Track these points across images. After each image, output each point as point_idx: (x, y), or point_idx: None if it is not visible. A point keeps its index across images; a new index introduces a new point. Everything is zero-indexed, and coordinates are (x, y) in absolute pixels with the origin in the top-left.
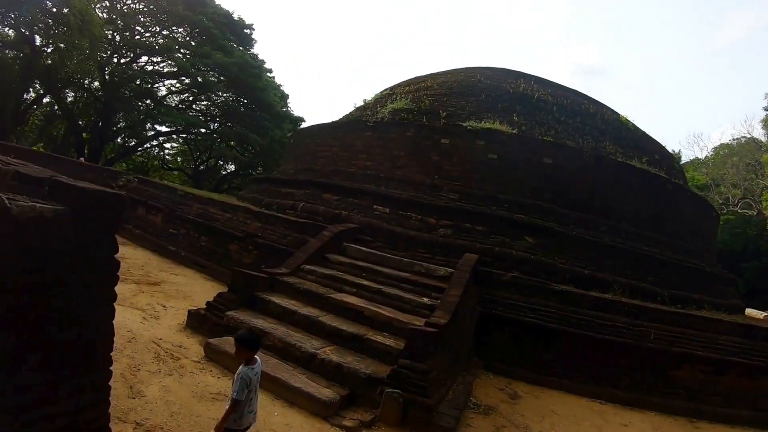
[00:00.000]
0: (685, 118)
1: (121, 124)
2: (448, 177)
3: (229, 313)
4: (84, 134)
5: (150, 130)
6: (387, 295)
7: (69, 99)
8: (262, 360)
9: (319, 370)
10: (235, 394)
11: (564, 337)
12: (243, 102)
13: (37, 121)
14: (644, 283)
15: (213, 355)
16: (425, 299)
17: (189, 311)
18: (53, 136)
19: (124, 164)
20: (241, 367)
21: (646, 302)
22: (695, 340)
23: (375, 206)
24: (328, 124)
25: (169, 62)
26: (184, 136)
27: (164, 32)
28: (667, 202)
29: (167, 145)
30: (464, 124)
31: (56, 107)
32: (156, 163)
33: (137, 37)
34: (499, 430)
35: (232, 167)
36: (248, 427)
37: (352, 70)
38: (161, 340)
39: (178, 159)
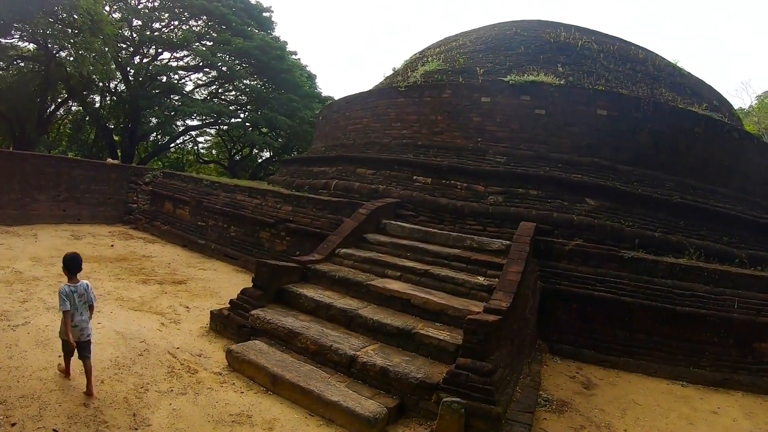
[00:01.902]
0: (731, 64)
1: (152, 123)
2: (493, 139)
3: (254, 312)
4: (116, 137)
5: (180, 126)
6: (436, 277)
7: (95, 104)
8: (293, 365)
9: (361, 375)
10: (60, 307)
11: (638, 312)
12: (269, 86)
13: (67, 130)
14: (720, 245)
15: (236, 365)
16: (480, 279)
17: (211, 312)
18: (84, 142)
19: (159, 162)
20: (62, 284)
21: (725, 266)
22: None
23: (415, 177)
24: (356, 94)
25: (191, 55)
26: (215, 128)
27: (182, 26)
28: (735, 153)
29: (200, 139)
30: (505, 79)
31: (82, 113)
32: (191, 157)
33: (155, 33)
34: (577, 430)
35: (267, 154)
36: (83, 343)
37: (378, 45)
38: (178, 349)
39: (213, 152)
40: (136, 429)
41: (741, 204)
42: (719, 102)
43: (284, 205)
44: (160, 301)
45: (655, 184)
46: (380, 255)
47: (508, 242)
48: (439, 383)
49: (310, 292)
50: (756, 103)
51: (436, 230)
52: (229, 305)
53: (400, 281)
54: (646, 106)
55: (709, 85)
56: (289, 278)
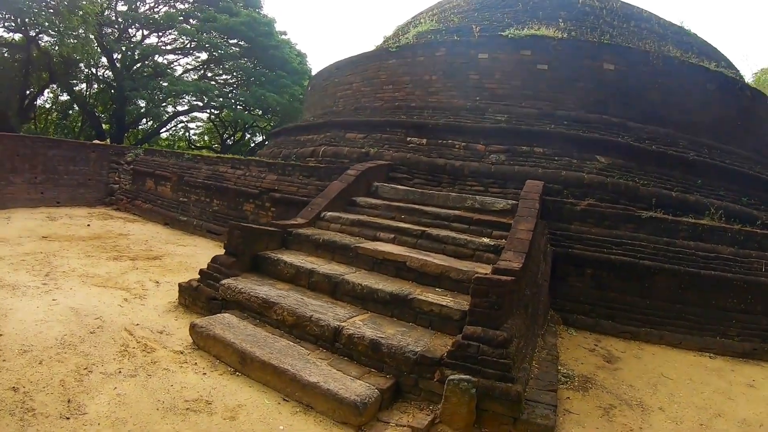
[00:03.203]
0: (728, 36)
1: (141, 108)
2: (492, 97)
3: (225, 281)
4: (105, 126)
5: (169, 112)
6: (435, 238)
7: (80, 89)
8: (266, 341)
9: (347, 351)
10: None
11: (659, 277)
12: (257, 64)
13: (54, 119)
14: (739, 206)
15: (200, 342)
16: (485, 239)
17: (179, 285)
18: (71, 130)
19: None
20: None
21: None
22: None
23: (408, 138)
24: (346, 59)
25: (178, 37)
26: (206, 112)
27: (167, 8)
28: (748, 112)
29: (192, 125)
30: (504, 34)
31: (70, 101)
32: (182, 144)
33: (140, 14)
34: (608, 412)
35: (259, 138)
36: None
37: (370, 25)
38: (137, 326)
39: (205, 138)
40: (68, 418)
41: (757, 165)
42: (726, 65)
43: (269, 174)
44: (129, 277)
45: (668, 142)
46: (371, 217)
47: (513, 202)
48: (443, 358)
49: (291, 257)
50: (752, 81)
51: (433, 191)
52: (198, 276)
53: (394, 244)
54: (655, 60)
55: (716, 48)
56: (267, 244)
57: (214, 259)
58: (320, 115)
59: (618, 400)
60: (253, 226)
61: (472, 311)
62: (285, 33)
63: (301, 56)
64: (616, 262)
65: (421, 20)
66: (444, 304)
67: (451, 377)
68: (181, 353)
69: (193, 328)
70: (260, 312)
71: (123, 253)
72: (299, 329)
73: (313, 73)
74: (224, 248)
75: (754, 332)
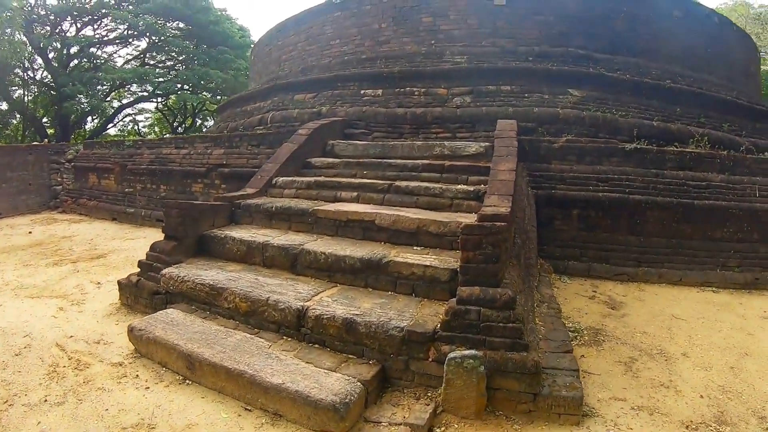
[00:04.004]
0: None
1: (84, 106)
2: (449, 39)
3: (166, 271)
4: (50, 131)
5: (111, 107)
6: (405, 190)
7: (18, 95)
8: (217, 337)
9: (316, 337)
10: None
11: (651, 212)
12: (199, 44)
13: None
14: (721, 132)
15: (143, 348)
16: (462, 186)
17: (119, 283)
18: (13, 138)
19: None
20: None
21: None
22: None
23: (363, 91)
24: (287, 19)
25: (114, 26)
26: (153, 101)
27: None
28: (716, 39)
29: (140, 117)
30: None
31: (8, 108)
32: (132, 137)
33: (68, 2)
34: (630, 367)
35: (211, 122)
36: None
37: None
38: (71, 338)
39: (156, 129)
40: None
41: (731, 92)
42: None
43: (215, 149)
44: (67, 282)
45: (640, 72)
46: (330, 177)
47: (487, 144)
48: (437, 330)
49: (241, 232)
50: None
51: (396, 143)
52: (138, 269)
53: (358, 202)
54: None
55: None
56: (214, 221)
57: (153, 247)
58: (266, 82)
59: (637, 351)
60: (194, 202)
61: (464, 268)
62: (225, 10)
63: (243, 30)
64: (603, 199)
65: None
66: (427, 264)
67: (452, 355)
68: (121, 365)
69: (131, 333)
70: (209, 302)
71: (64, 257)
72: (256, 317)
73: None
74: (163, 231)
75: (754, 261)
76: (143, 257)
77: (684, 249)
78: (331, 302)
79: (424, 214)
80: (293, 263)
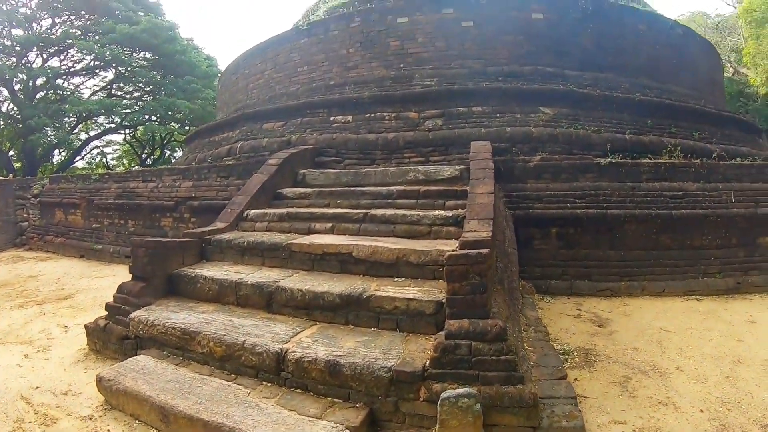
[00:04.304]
0: None
1: (51, 139)
2: (417, 62)
3: (135, 314)
4: (16, 165)
5: (79, 139)
6: (381, 218)
7: None
8: (191, 386)
9: (297, 381)
10: None
11: (630, 225)
12: (165, 71)
13: None
14: (692, 141)
15: (113, 399)
16: (439, 212)
17: (86, 327)
18: None
19: None
20: None
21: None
22: None
23: (332, 118)
24: (254, 47)
25: (80, 56)
26: (121, 132)
27: (64, 27)
28: (681, 50)
29: (108, 150)
30: None
31: None
32: (100, 170)
33: (36, 35)
34: (625, 387)
35: (179, 153)
36: None
37: (280, 22)
38: (37, 389)
39: (124, 161)
40: None
41: (697, 101)
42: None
43: (183, 182)
44: (33, 326)
45: (610, 86)
46: (302, 208)
47: (461, 167)
48: (426, 368)
49: (212, 270)
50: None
51: (368, 169)
52: (106, 312)
53: (333, 233)
54: (584, 5)
55: None
56: (183, 258)
57: (121, 288)
58: (233, 111)
59: (630, 369)
60: (161, 240)
61: (451, 300)
62: (192, 39)
63: (210, 59)
64: (581, 216)
65: None
66: (411, 297)
67: (446, 394)
68: (91, 419)
69: (100, 383)
70: (181, 346)
71: (30, 299)
72: (232, 362)
73: None
74: (130, 272)
75: (735, 266)
76: (111, 298)
77: (665, 259)
78: (312, 343)
79: (403, 244)
80: (268, 302)
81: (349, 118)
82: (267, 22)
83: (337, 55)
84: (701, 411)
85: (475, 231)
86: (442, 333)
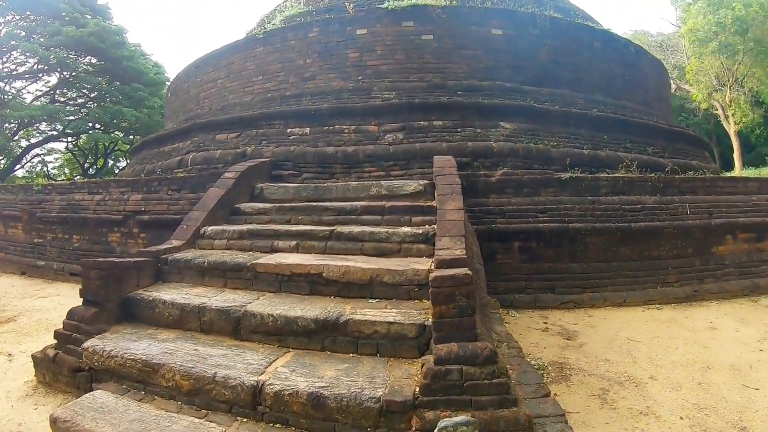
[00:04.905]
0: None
1: None
2: (376, 74)
3: (88, 344)
4: None
5: (19, 146)
6: (348, 236)
7: None
8: (159, 425)
9: (277, 416)
10: None
11: (591, 238)
12: (112, 80)
13: None
14: (646, 155)
15: None
16: (406, 228)
17: (33, 357)
18: None
19: None
20: None
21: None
22: (733, 206)
23: (289, 130)
24: (207, 54)
25: (24, 59)
26: (63, 141)
27: (5, 29)
28: (633, 67)
29: (50, 158)
30: (382, 6)
31: None
32: (41, 180)
33: None
34: (605, 399)
35: (123, 163)
36: None
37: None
38: None
39: (65, 170)
40: None
41: (649, 116)
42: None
43: (132, 195)
44: None
45: (567, 102)
46: (263, 225)
47: (425, 182)
48: (417, 396)
49: (171, 293)
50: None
51: (328, 184)
52: (55, 340)
53: (299, 252)
54: (542, 22)
55: (590, 15)
56: (139, 280)
57: (71, 314)
58: (184, 120)
59: (606, 381)
60: (115, 260)
61: (438, 324)
62: (139, 45)
63: (158, 66)
64: (544, 229)
65: (288, 5)
66: (391, 320)
67: (443, 424)
68: None
69: (55, 425)
70: (143, 380)
71: None
72: (202, 396)
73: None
74: (81, 295)
75: (691, 275)
76: (59, 321)
77: (625, 270)
78: (289, 373)
79: (375, 263)
80: (236, 328)
81: (307, 130)
82: (217, 32)
83: (294, 65)
84: (681, 418)
85: (448, 249)
86: (429, 357)
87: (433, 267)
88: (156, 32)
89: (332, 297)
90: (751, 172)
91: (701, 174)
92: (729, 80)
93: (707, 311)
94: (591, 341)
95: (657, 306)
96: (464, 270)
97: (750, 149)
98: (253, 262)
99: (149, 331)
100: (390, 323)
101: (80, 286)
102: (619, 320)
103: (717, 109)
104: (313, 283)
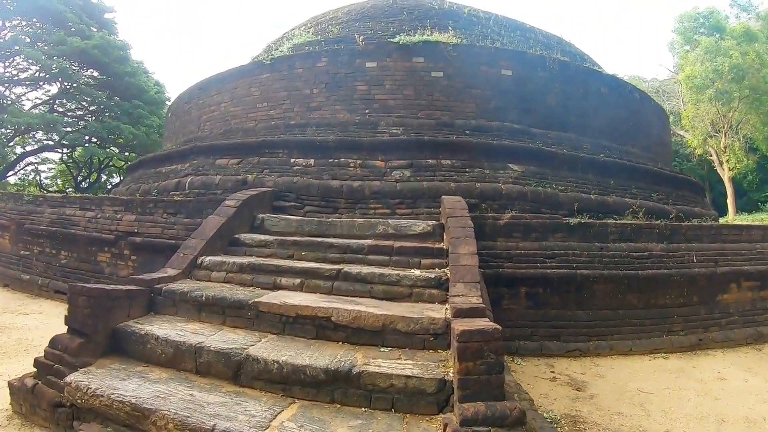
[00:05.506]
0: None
1: None
2: (384, 109)
3: (71, 378)
4: None
5: (14, 153)
6: (356, 277)
7: None
8: None
9: None
10: None
11: (599, 285)
12: (112, 95)
13: None
14: (651, 202)
15: None
16: (416, 271)
17: (9, 385)
18: None
19: None
20: None
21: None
22: (738, 254)
23: (293, 160)
24: (211, 77)
25: (26, 65)
26: (58, 151)
27: (11, 33)
28: (637, 113)
29: (43, 168)
30: (394, 40)
31: None
32: (33, 189)
33: None
34: None
35: (116, 179)
36: None
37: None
38: None
39: (58, 181)
40: None
41: (653, 162)
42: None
43: (126, 215)
44: None
45: (574, 146)
46: (264, 258)
47: (434, 222)
48: None
49: (164, 328)
50: None
51: (332, 219)
52: (35, 369)
53: (303, 291)
54: (552, 65)
55: (593, 58)
56: (129, 310)
57: (54, 342)
58: (183, 142)
59: None
60: (106, 287)
61: (465, 381)
62: (142, 62)
63: (159, 86)
64: (552, 276)
65: (296, 33)
66: (408, 374)
67: None
68: None
69: None
70: (131, 425)
71: None
72: None
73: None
74: (66, 323)
75: (696, 323)
76: (40, 342)
77: (631, 318)
78: (297, 429)
79: (386, 308)
80: (236, 372)
81: (311, 161)
82: (221, 55)
83: (300, 94)
84: None
85: (463, 296)
86: (451, 416)
87: (449, 315)
88: (160, 52)
89: (340, 343)
90: (744, 218)
91: (704, 221)
92: (724, 126)
93: (714, 361)
94: (601, 392)
95: (663, 355)
96: (493, 324)
97: (741, 195)
98: (256, 300)
99: (139, 368)
100: (408, 377)
101: (65, 304)
102: (627, 370)
103: (711, 155)
104: (320, 327)
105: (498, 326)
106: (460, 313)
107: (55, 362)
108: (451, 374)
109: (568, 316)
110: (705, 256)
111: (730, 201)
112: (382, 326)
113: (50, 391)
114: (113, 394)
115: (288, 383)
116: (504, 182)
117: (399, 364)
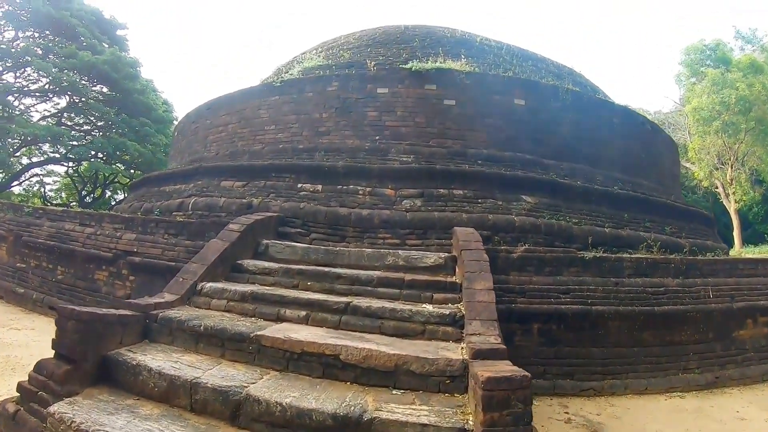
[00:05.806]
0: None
1: None
2: (395, 136)
3: (55, 408)
4: None
5: (20, 163)
6: (365, 311)
7: None
8: None
9: None
10: None
11: (614, 322)
12: (120, 111)
13: None
14: (665, 235)
15: None
16: (428, 306)
17: None
18: None
19: None
20: None
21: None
22: (754, 288)
23: (300, 185)
24: (220, 97)
25: (36, 77)
26: (63, 164)
27: (23, 43)
28: (649, 145)
29: (48, 180)
30: (406, 66)
31: None
32: (37, 201)
33: None
34: None
35: (121, 196)
36: None
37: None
38: None
39: (62, 195)
40: None
41: (664, 195)
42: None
43: (126, 233)
44: None
45: (587, 177)
46: (268, 287)
47: (445, 254)
48: None
49: (159, 359)
50: None
51: (340, 248)
52: (18, 393)
53: (309, 325)
54: (564, 95)
55: (605, 92)
56: (122, 337)
57: (40, 367)
58: (189, 162)
59: None
60: (98, 311)
61: None
62: (152, 81)
63: (168, 104)
64: (566, 312)
65: (306, 57)
66: (425, 421)
67: None
68: None
69: None
70: None
71: None
72: None
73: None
74: (54, 348)
75: (712, 361)
76: (29, 361)
77: (646, 356)
78: None
79: (398, 346)
80: (234, 413)
81: (319, 187)
82: (230, 78)
83: (309, 118)
84: None
85: (480, 334)
86: None
87: (466, 356)
88: (170, 72)
89: (349, 383)
90: (751, 251)
91: (717, 254)
92: (730, 159)
93: (731, 399)
94: None
95: (679, 394)
96: (521, 371)
97: (746, 227)
98: (258, 333)
99: (129, 401)
100: (424, 425)
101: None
102: (644, 411)
103: (717, 187)
104: (327, 366)
105: (527, 373)
106: (479, 354)
107: (39, 389)
108: (471, 422)
109: (583, 353)
110: (721, 291)
111: (736, 233)
112: (395, 367)
113: (32, 419)
114: (99, 430)
115: (291, 427)
116: (517, 214)
117: (413, 409)
